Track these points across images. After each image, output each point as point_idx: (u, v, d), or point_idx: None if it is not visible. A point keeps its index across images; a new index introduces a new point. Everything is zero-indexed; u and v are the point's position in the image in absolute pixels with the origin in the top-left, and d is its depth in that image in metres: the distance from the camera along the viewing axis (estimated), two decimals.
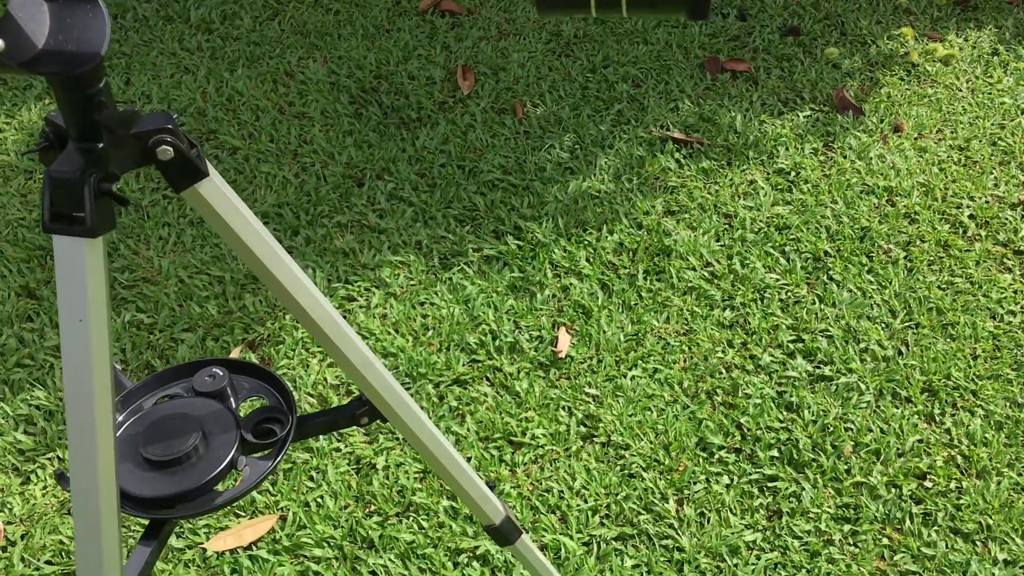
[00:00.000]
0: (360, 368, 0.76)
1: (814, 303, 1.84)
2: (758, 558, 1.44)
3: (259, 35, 2.55)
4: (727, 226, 2.02)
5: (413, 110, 2.29)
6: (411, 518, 1.50)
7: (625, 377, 1.71)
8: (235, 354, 1.73)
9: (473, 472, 0.90)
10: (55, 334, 1.75)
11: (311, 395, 1.67)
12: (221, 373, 0.81)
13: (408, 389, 1.68)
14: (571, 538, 1.46)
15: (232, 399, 0.82)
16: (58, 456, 1.57)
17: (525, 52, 2.49)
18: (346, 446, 1.60)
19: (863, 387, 1.68)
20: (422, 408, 1.63)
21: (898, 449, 1.59)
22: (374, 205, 2.04)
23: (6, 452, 1.57)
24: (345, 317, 1.81)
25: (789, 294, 1.86)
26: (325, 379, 1.69)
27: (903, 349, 1.75)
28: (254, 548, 1.45)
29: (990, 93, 2.39)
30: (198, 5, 2.64)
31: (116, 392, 0.87)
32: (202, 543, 1.46)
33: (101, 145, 0.60)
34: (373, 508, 1.51)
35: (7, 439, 1.59)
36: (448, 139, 2.21)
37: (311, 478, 1.55)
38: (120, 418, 0.81)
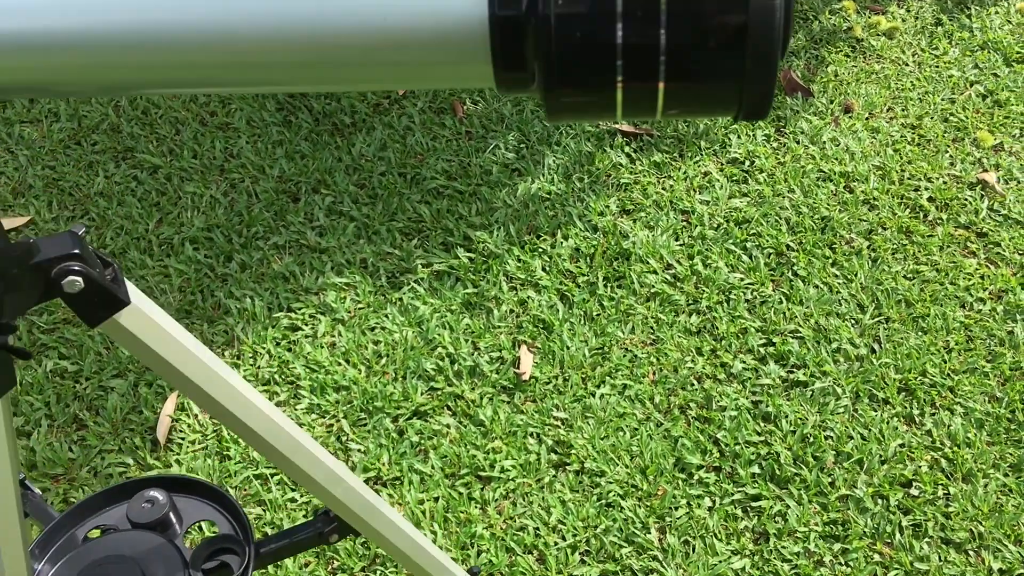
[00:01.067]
0: (326, 485, 0.66)
1: (781, 302, 1.77)
2: None
3: None
4: (685, 223, 1.94)
5: (346, 114, 2.15)
6: None
7: (594, 396, 1.62)
8: (173, 400, 1.59)
9: (459, 569, 0.80)
10: None
11: None
12: (161, 498, 0.70)
13: (365, 425, 1.57)
14: None
15: (176, 526, 0.70)
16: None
17: None
18: (301, 495, 1.48)
19: (839, 391, 1.62)
20: (380, 446, 1.52)
21: (881, 456, 1.53)
22: (312, 222, 1.91)
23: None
24: (290, 349, 1.68)
25: (755, 294, 1.79)
26: None
27: (875, 347, 1.70)
28: None
29: (937, 66, 2.34)
30: None
31: (43, 523, 0.75)
32: None
33: None
34: None
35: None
36: (386, 144, 2.08)
37: (265, 535, 1.43)
38: (40, 567, 0.69)
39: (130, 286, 0.55)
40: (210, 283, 1.79)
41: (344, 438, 1.55)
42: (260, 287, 1.78)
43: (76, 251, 0.50)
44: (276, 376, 1.64)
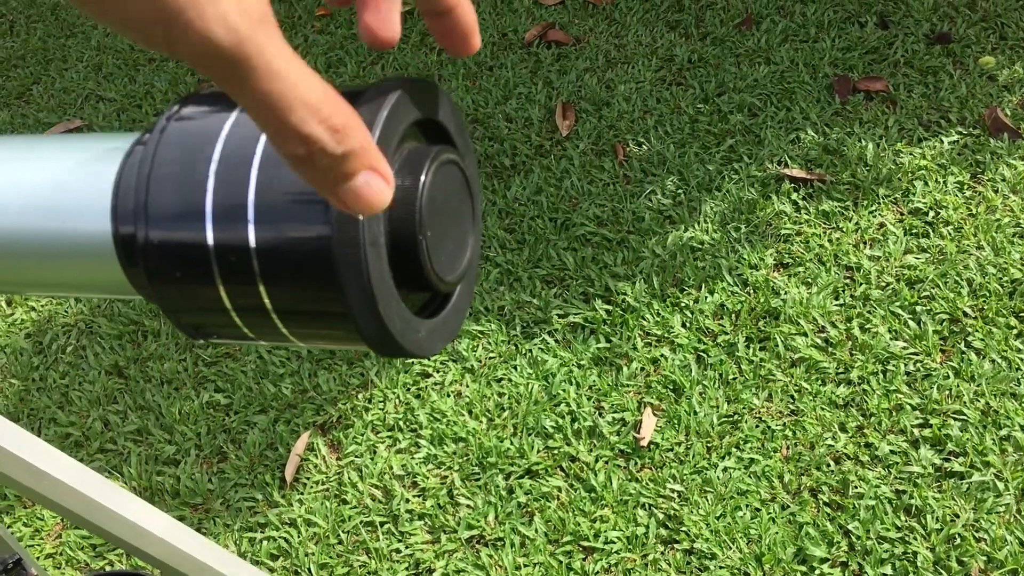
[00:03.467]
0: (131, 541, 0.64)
1: (947, 377, 1.58)
2: None
3: (362, 81, 2.50)
4: (848, 281, 1.77)
5: (507, 156, 2.17)
6: None
7: (716, 468, 1.52)
8: (304, 439, 1.67)
9: None
10: (137, 417, 1.76)
11: (376, 486, 1.59)
12: None
13: (477, 480, 1.57)
14: None
15: None
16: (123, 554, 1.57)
17: (632, 83, 2.31)
18: (406, 547, 1.50)
19: (1001, 486, 1.41)
20: (488, 503, 1.51)
21: None
22: None
23: (78, 547, 1.58)
24: (418, 396, 1.71)
25: (918, 366, 1.61)
26: (391, 467, 1.61)
27: None
28: None
29: None
30: (304, 54, 2.63)
31: None
32: None
33: None
34: None
35: (81, 531, 1.60)
36: (541, 188, 2.07)
37: None
38: None
39: None
40: None
41: (455, 492, 1.56)
42: None
43: None
44: (400, 422, 1.67)
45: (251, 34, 0.25)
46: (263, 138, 0.32)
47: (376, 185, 0.28)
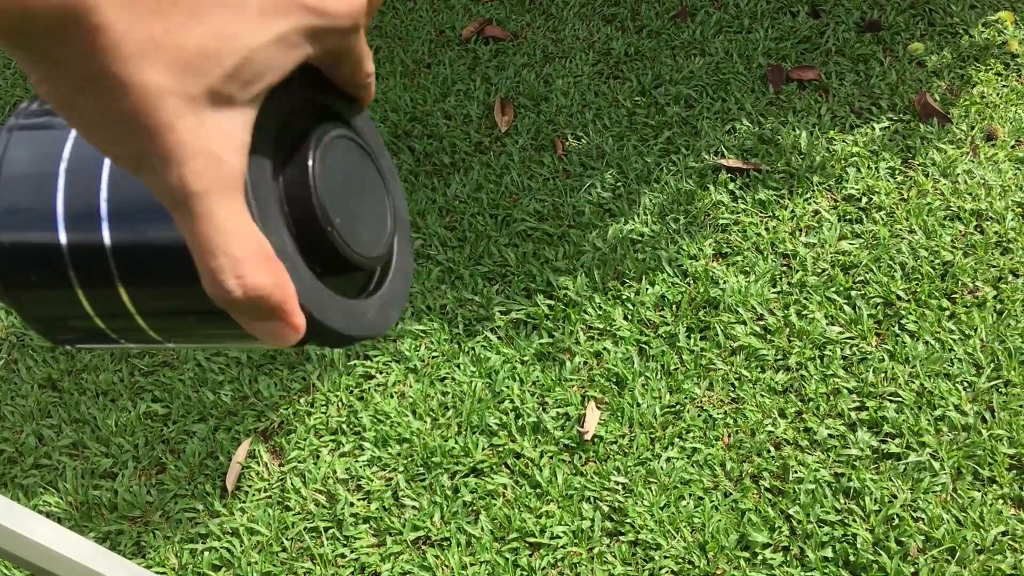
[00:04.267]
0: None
1: (883, 360, 1.60)
2: None
3: None
4: (785, 268, 1.79)
5: (447, 154, 2.16)
6: None
7: (659, 459, 1.53)
8: (245, 447, 1.64)
9: None
10: (72, 430, 1.72)
11: (319, 491, 1.57)
12: None
13: (423, 480, 1.56)
14: None
15: None
16: None
17: (570, 77, 2.31)
18: (351, 551, 1.49)
19: (937, 466, 1.44)
20: (434, 503, 1.50)
21: (977, 544, 1.35)
22: None
23: (11, 567, 1.54)
24: (361, 398, 1.70)
25: (854, 350, 1.63)
26: (335, 471, 1.59)
27: (987, 415, 1.50)
28: None
29: None
30: None
31: None
32: None
33: None
34: None
35: None
36: (481, 185, 2.06)
37: None
38: None
39: None
40: None
41: (400, 493, 1.55)
42: None
43: None
44: (343, 426, 1.66)
45: (206, 189, 0.28)
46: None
47: (280, 331, 0.30)
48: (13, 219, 0.31)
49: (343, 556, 1.48)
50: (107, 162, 0.30)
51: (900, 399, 1.54)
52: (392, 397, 1.69)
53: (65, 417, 1.74)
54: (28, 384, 1.81)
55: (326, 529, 1.52)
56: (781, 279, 1.77)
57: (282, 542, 1.51)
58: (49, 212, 0.30)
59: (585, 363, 1.69)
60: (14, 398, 1.79)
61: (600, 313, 1.76)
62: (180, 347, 0.34)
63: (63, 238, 0.30)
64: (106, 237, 0.30)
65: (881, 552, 1.35)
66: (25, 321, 0.33)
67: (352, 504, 1.54)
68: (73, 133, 0.31)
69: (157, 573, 1.49)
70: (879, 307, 1.69)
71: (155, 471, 1.65)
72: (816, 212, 1.89)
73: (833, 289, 1.73)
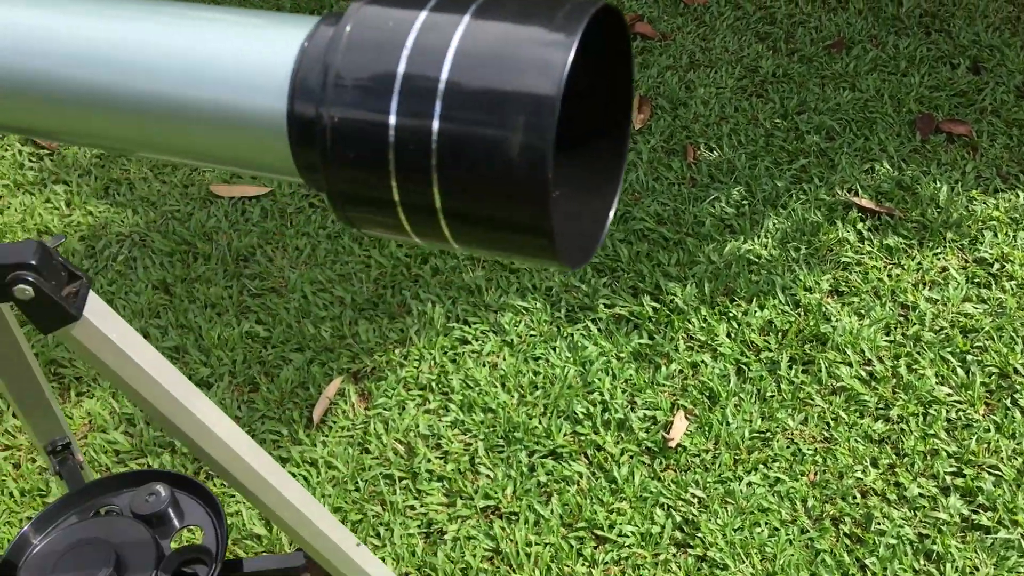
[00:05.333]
0: (293, 525, 0.66)
1: (988, 430, 1.55)
2: None
3: None
4: (902, 319, 1.75)
5: None
6: None
7: (740, 481, 1.51)
8: (336, 384, 1.68)
9: None
10: (177, 335, 1.77)
11: (400, 441, 1.59)
12: (163, 494, 0.73)
13: (501, 452, 1.57)
14: None
15: (172, 523, 0.73)
16: (148, 463, 1.59)
17: (713, 87, 2.28)
18: (421, 505, 1.51)
19: None
20: (508, 476, 1.51)
21: None
22: None
23: (102, 450, 1.60)
24: (454, 360, 1.71)
25: (960, 414, 1.58)
26: (417, 425, 1.61)
27: None
28: None
29: None
30: None
31: (75, 487, 0.81)
32: None
33: None
34: None
35: (107, 437, 1.62)
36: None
37: (377, 534, 1.47)
38: (38, 540, 0.75)
39: (94, 300, 0.58)
40: (402, 281, 1.86)
41: (477, 460, 1.56)
42: (444, 294, 1.83)
43: (32, 262, 0.53)
44: (433, 383, 1.68)
45: None
46: (460, 31, 0.31)
47: None
48: (347, 95, 0.32)
49: (412, 508, 1.50)
50: (452, 49, 0.31)
51: (1000, 473, 1.49)
52: (484, 366, 1.71)
53: (172, 321, 1.80)
54: (143, 283, 1.87)
55: (400, 479, 1.54)
56: (896, 329, 1.73)
57: (357, 482, 1.54)
58: (384, 93, 0.31)
59: (680, 371, 1.68)
60: (127, 294, 1.85)
61: (704, 326, 1.75)
62: (466, 252, 0.35)
63: (392, 120, 0.31)
64: (435, 127, 0.30)
65: None
66: (328, 194, 0.34)
67: (429, 460, 1.56)
68: (423, 14, 0.32)
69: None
70: (994, 376, 1.64)
71: (248, 389, 1.69)
72: (944, 269, 1.83)
73: (949, 350, 1.68)
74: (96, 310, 0.57)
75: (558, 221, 0.33)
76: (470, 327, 1.77)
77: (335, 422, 1.63)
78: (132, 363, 0.58)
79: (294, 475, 1.54)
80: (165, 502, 0.73)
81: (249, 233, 1.97)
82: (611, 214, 0.39)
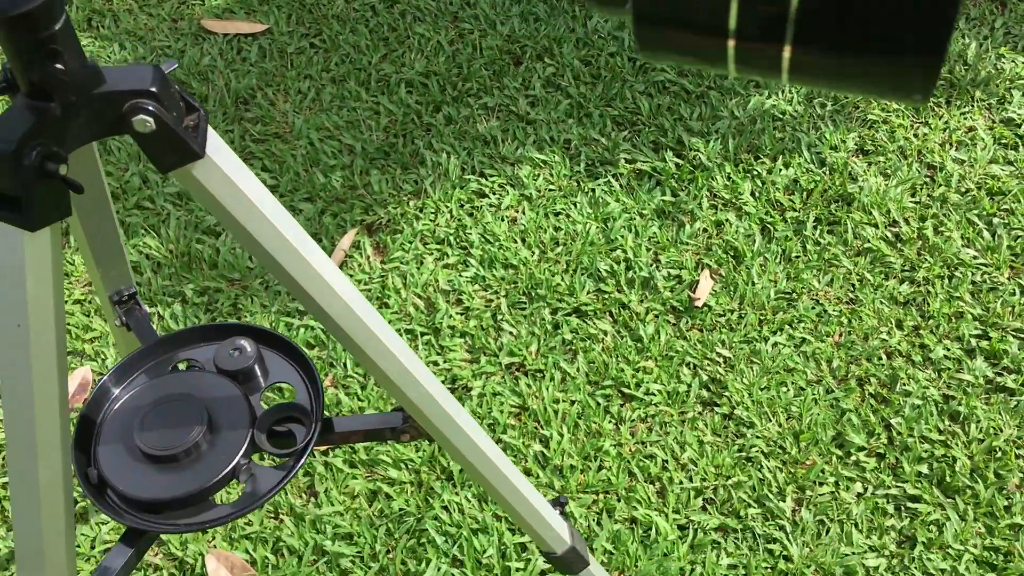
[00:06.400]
0: (400, 385, 0.61)
1: (1014, 294, 1.55)
2: None
3: None
4: (928, 179, 1.71)
5: None
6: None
7: (766, 342, 1.49)
8: (351, 236, 1.61)
9: (538, 497, 0.75)
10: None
11: (419, 296, 1.55)
12: (249, 349, 0.68)
13: (523, 309, 1.53)
14: (666, 517, 1.31)
15: (259, 380, 0.69)
16: (159, 313, 1.53)
17: None
18: (444, 361, 1.48)
19: None
20: (532, 334, 1.48)
21: None
22: (528, 90, 1.84)
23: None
24: (471, 214, 1.65)
25: (985, 277, 1.57)
26: (437, 281, 1.56)
27: None
28: (330, 454, 1.37)
29: None
30: None
31: (146, 339, 0.75)
32: None
33: (53, 105, 0.45)
34: None
35: None
36: (624, 24, 1.95)
37: None
38: (118, 391, 0.69)
39: (213, 136, 0.51)
40: (414, 129, 1.77)
41: (499, 317, 1.52)
42: (459, 145, 1.75)
43: (153, 89, 0.46)
44: (451, 238, 1.62)
45: None
46: None
47: None
48: None
49: (436, 364, 1.47)
50: None
51: None
52: (503, 220, 1.65)
53: None
54: None
55: (422, 334, 1.50)
56: (922, 189, 1.70)
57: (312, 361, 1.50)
58: None
59: (705, 230, 1.64)
60: (117, 137, 1.74)
61: (728, 184, 1.70)
62: (794, 84, 0.29)
63: None
64: None
65: (978, 480, 1.34)
66: (635, 15, 0.27)
67: (451, 316, 1.52)
68: None
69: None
70: (1020, 240, 1.62)
71: None
72: (971, 129, 1.79)
73: (975, 212, 1.66)
74: (217, 147, 0.51)
75: None
76: (487, 180, 1.70)
77: (351, 275, 1.58)
78: (252, 207, 0.52)
79: (311, 327, 1.50)
80: (252, 358, 0.68)
81: (247, 74, 1.86)
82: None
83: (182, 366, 0.72)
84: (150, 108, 0.45)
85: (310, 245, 0.57)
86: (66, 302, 1.54)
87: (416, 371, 0.62)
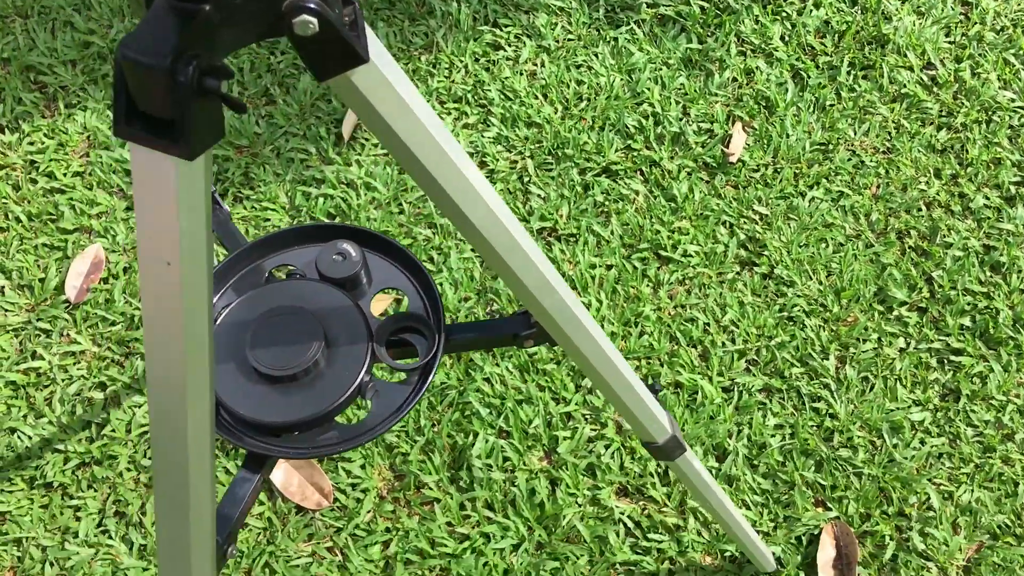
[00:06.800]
0: (536, 294, 0.56)
1: None
2: (922, 442, 1.26)
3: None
4: (963, 17, 1.63)
5: None
6: None
7: (803, 197, 1.45)
8: None
9: (645, 390, 0.71)
10: None
11: None
12: (355, 254, 0.61)
13: (550, 171, 1.46)
14: (710, 380, 1.30)
15: (365, 286, 0.62)
16: None
17: None
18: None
19: None
20: (562, 196, 1.42)
21: None
22: None
23: (111, 170, 1.44)
24: (488, 69, 1.55)
25: (1023, 121, 1.52)
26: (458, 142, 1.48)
27: None
28: None
29: None
30: None
31: (229, 247, 0.68)
32: None
33: (208, 8, 0.36)
34: None
35: (114, 155, 1.45)
36: None
37: (430, 259, 1.39)
38: (220, 296, 0.63)
39: (372, 38, 0.43)
40: None
41: (526, 179, 1.45)
42: None
43: None
44: (469, 95, 1.53)
45: None
46: None
47: None
48: None
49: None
50: None
51: None
52: (522, 75, 1.55)
53: None
54: None
55: None
56: (956, 28, 1.62)
57: (400, 204, 1.43)
58: None
59: (734, 79, 1.56)
60: None
61: (756, 28, 1.60)
62: None
63: None
64: None
65: (1021, 330, 1.33)
66: None
67: None
68: None
69: (267, 209, 1.41)
70: None
71: (263, 102, 1.52)
72: None
73: (1012, 51, 1.59)
74: (377, 51, 0.43)
75: None
76: (502, 30, 1.59)
77: (367, 139, 1.49)
78: (413, 118, 0.45)
79: (331, 196, 1.42)
80: (359, 264, 0.61)
81: None
82: None
83: (278, 274, 0.65)
84: (312, 7, 0.37)
85: (467, 160, 0.50)
86: (64, 175, 1.44)
87: (552, 279, 0.56)
